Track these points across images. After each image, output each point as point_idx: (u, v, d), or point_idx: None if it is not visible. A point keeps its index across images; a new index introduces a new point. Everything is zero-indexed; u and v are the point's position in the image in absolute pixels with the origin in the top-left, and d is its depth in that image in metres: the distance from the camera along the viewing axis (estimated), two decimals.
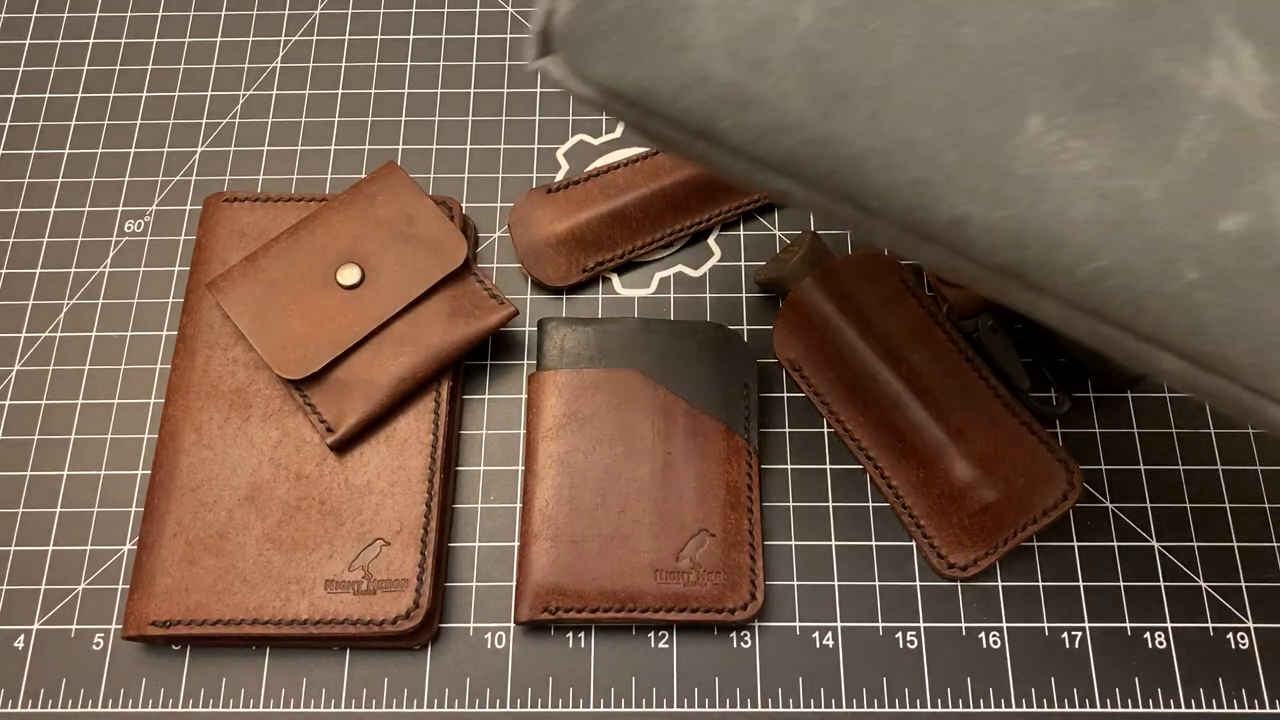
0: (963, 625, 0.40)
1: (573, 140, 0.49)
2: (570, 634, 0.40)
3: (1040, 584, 0.40)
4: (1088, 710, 0.38)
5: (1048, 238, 0.23)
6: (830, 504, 0.42)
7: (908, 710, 0.38)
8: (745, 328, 0.45)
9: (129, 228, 0.47)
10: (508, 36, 0.51)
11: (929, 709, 0.38)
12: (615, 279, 0.46)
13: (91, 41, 0.51)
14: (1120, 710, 0.38)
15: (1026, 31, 0.22)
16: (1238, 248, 0.22)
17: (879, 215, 0.24)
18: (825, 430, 0.43)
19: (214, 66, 0.50)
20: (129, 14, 0.52)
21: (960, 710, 0.38)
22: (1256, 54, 0.22)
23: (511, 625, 0.40)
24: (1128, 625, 0.40)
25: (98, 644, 0.40)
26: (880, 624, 0.40)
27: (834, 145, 0.23)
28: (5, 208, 0.47)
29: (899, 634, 0.40)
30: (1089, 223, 0.23)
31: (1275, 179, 0.22)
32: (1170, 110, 0.22)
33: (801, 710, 0.38)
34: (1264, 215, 0.22)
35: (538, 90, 0.50)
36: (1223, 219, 0.22)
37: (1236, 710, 0.38)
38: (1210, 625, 0.40)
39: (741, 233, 0.47)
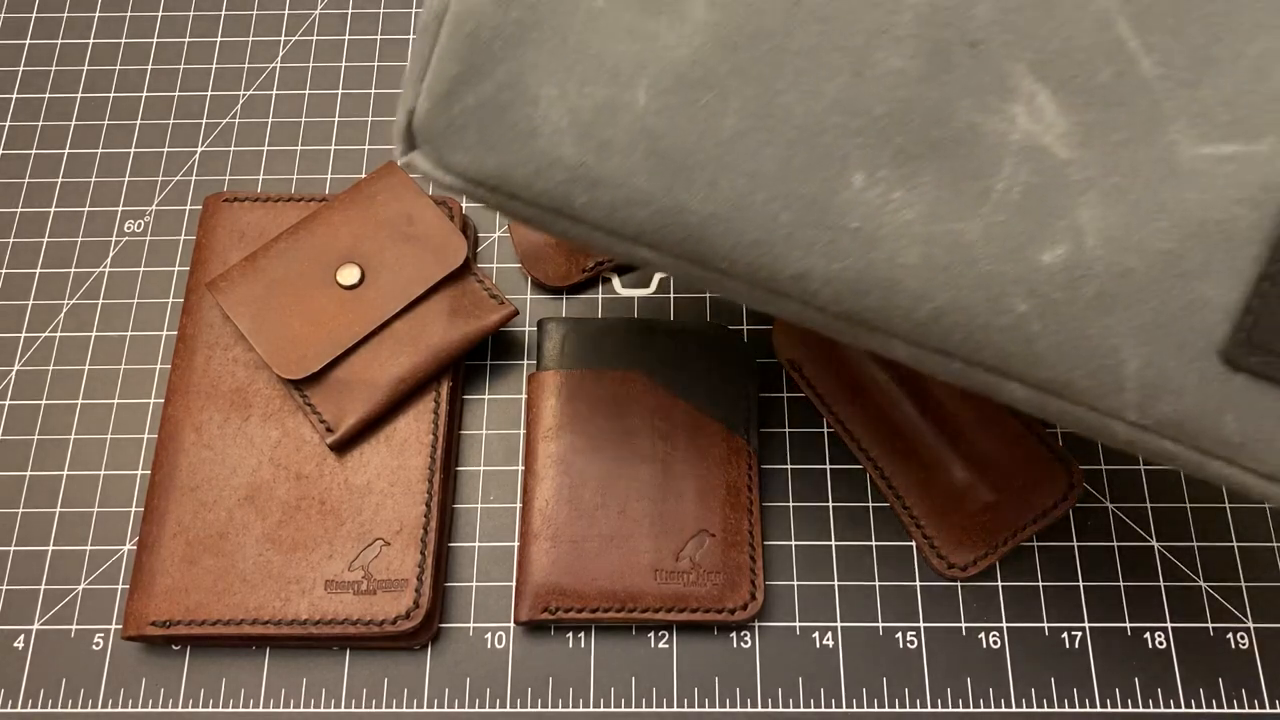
0: (963, 625, 0.40)
1: None
2: (570, 634, 0.40)
3: (1040, 584, 0.40)
4: (1088, 710, 0.38)
5: (884, 284, 0.24)
6: (830, 504, 0.42)
7: (908, 710, 0.38)
8: (745, 328, 0.45)
9: (129, 228, 0.47)
10: None
11: (929, 709, 0.38)
12: (615, 279, 0.46)
13: (91, 41, 0.51)
14: (1120, 710, 0.38)
15: (841, 95, 0.24)
16: (1059, 279, 0.24)
17: (731, 275, 0.26)
18: (825, 430, 0.43)
19: (214, 66, 0.50)
20: (129, 14, 0.52)
21: (960, 710, 0.38)
22: (1053, 99, 0.23)
23: (511, 625, 0.40)
24: (1128, 625, 0.40)
25: (98, 644, 0.40)
26: (880, 624, 0.40)
27: (679, 215, 0.25)
28: (5, 208, 0.47)
29: (899, 634, 0.40)
30: (919, 267, 0.24)
31: (1085, 213, 0.23)
32: (981, 157, 0.24)
33: (801, 710, 0.38)
34: (1079, 247, 0.24)
35: None
36: (1043, 253, 0.24)
37: (1236, 710, 0.38)
38: (1210, 625, 0.40)
39: None
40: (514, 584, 0.40)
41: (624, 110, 0.25)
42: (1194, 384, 0.24)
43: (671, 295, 0.45)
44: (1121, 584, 0.40)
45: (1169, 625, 0.40)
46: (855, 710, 0.38)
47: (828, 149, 0.24)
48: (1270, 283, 0.23)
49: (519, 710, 0.39)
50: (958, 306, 0.24)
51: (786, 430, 0.43)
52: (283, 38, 0.51)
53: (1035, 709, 0.38)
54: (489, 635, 0.40)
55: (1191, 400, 0.24)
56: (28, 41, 0.51)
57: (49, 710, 0.39)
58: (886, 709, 0.38)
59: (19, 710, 0.39)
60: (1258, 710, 0.38)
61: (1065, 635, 0.39)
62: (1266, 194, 0.23)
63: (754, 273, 0.25)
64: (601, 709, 0.39)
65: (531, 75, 0.25)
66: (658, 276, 0.46)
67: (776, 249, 0.25)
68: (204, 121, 0.49)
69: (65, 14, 0.52)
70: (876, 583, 0.40)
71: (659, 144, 0.25)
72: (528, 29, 0.25)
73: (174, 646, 0.40)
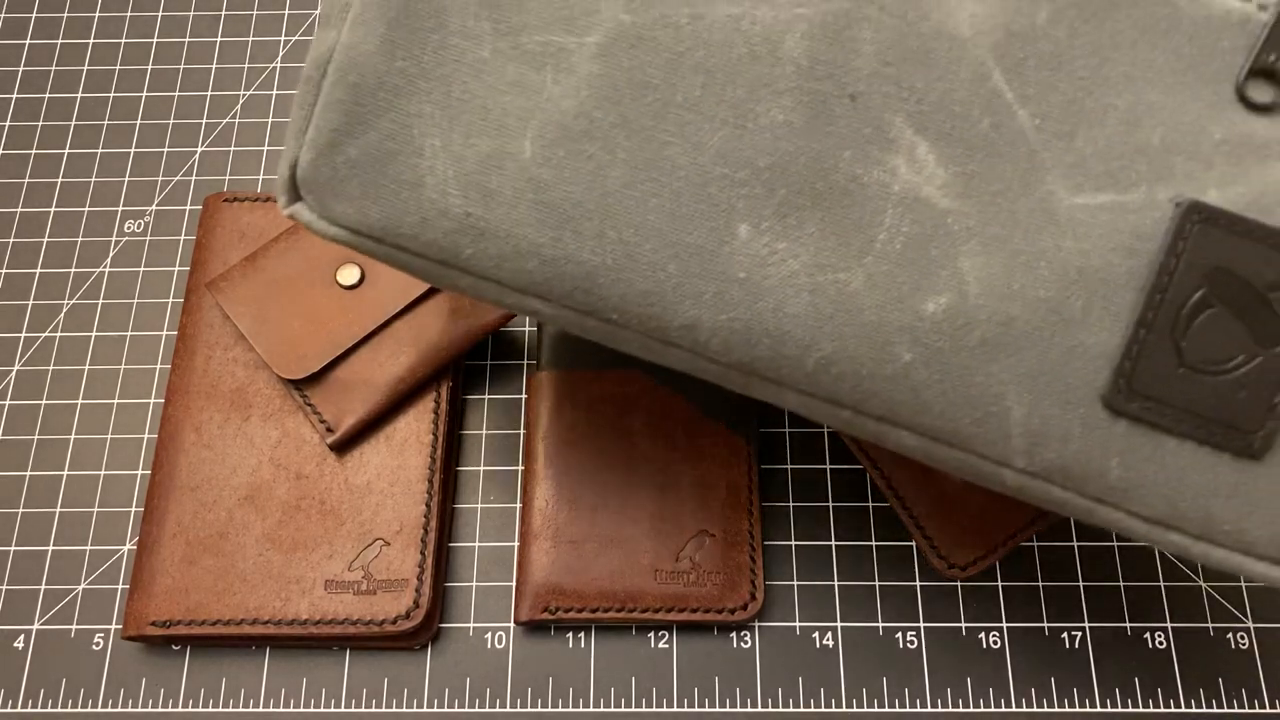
0: (963, 625, 0.40)
1: None
2: (570, 634, 0.40)
3: (1040, 584, 0.40)
4: (1088, 710, 0.38)
5: (772, 334, 0.25)
6: (830, 504, 0.42)
7: (908, 710, 0.38)
8: None
9: (129, 228, 0.47)
10: None
11: (929, 709, 0.38)
12: None
13: (91, 41, 0.51)
14: (1120, 710, 0.38)
15: (725, 147, 0.24)
16: (943, 327, 0.24)
17: (622, 327, 0.26)
18: (825, 430, 0.43)
19: (214, 66, 0.50)
20: (129, 14, 0.52)
21: (960, 710, 0.38)
22: (933, 150, 0.24)
23: (511, 625, 0.40)
24: (1128, 625, 0.40)
25: (98, 644, 0.40)
26: (880, 624, 0.40)
27: (567, 265, 0.25)
28: (5, 207, 0.47)
29: (899, 634, 0.40)
30: (805, 316, 0.24)
31: (967, 262, 0.24)
32: (864, 207, 0.24)
33: (801, 710, 0.38)
34: (962, 296, 0.24)
35: None
36: (926, 302, 0.24)
37: (1236, 710, 0.38)
38: (1210, 625, 0.40)
39: None
40: (514, 584, 0.40)
41: (510, 161, 0.25)
42: (1078, 430, 0.24)
43: None
44: (1121, 584, 0.40)
45: (1169, 625, 0.40)
46: (855, 710, 0.38)
47: (713, 200, 0.24)
48: (1147, 329, 0.24)
49: (519, 710, 0.39)
50: (845, 355, 0.25)
51: (786, 430, 0.43)
52: (283, 38, 0.51)
53: (1035, 709, 0.38)
54: (489, 635, 0.40)
55: (1077, 447, 0.25)
56: (28, 41, 0.51)
57: (49, 710, 0.39)
58: (886, 709, 0.38)
59: (19, 710, 0.39)
60: (1258, 710, 0.38)
61: (1065, 635, 0.39)
62: (1140, 242, 0.24)
63: (644, 323, 0.25)
64: (601, 709, 0.39)
65: (416, 126, 0.25)
66: None
67: (665, 299, 0.25)
68: (204, 121, 0.49)
69: (65, 14, 0.52)
70: (876, 583, 0.40)
71: (546, 195, 0.25)
72: (413, 80, 0.25)
73: (174, 646, 0.40)
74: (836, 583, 0.40)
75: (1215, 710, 0.38)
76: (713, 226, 0.24)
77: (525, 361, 0.44)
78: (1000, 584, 0.40)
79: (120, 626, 0.40)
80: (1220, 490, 0.25)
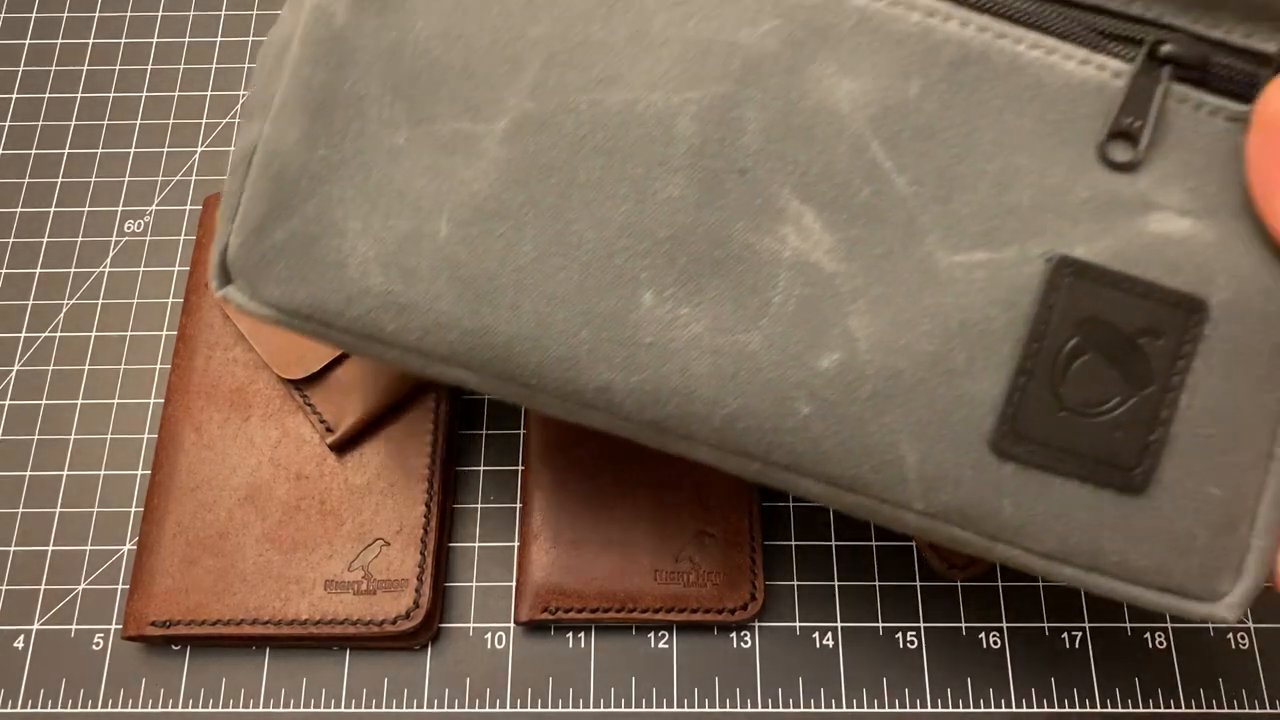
0: (963, 625, 0.40)
1: None
2: (570, 634, 0.40)
3: (1040, 584, 0.40)
4: (1088, 710, 0.38)
5: (680, 394, 0.26)
6: None
7: (908, 710, 0.38)
8: None
9: (129, 228, 0.47)
10: None
11: (929, 709, 0.38)
12: None
13: (91, 41, 0.51)
14: (1120, 710, 0.38)
15: (627, 221, 0.26)
16: (836, 382, 0.26)
17: (540, 390, 0.27)
18: None
19: (214, 66, 0.50)
20: (128, 14, 0.52)
21: (960, 710, 0.38)
22: (819, 218, 0.26)
23: (511, 625, 0.40)
24: (1128, 625, 0.40)
25: (97, 644, 0.40)
26: (880, 624, 0.40)
27: (486, 336, 0.27)
28: (5, 207, 0.47)
29: (899, 634, 0.40)
30: (710, 376, 0.26)
31: (855, 320, 0.26)
32: (758, 273, 0.26)
33: (801, 710, 0.38)
34: (853, 352, 0.26)
35: None
36: (820, 359, 0.26)
37: (1237, 710, 0.38)
38: (1211, 626, 0.40)
39: None
40: (514, 584, 0.40)
41: (427, 240, 0.26)
42: (969, 474, 0.26)
43: None
44: None
45: (1169, 625, 0.40)
46: (855, 710, 0.38)
47: (619, 271, 0.26)
48: (1027, 377, 0.26)
49: (519, 710, 0.39)
50: (748, 411, 0.26)
51: None
52: None
53: (1035, 709, 0.38)
54: (489, 635, 0.40)
55: (969, 489, 0.26)
56: (27, 41, 0.51)
57: (49, 710, 0.39)
58: (887, 709, 0.38)
59: (19, 710, 0.39)
60: (1258, 711, 0.38)
61: (1065, 635, 0.39)
62: (1016, 296, 0.25)
63: (561, 387, 0.27)
64: (601, 709, 0.39)
65: (338, 209, 0.27)
66: None
67: (579, 364, 0.26)
68: (204, 121, 0.49)
69: (65, 14, 0.52)
70: (877, 583, 0.40)
71: (462, 271, 0.26)
72: (333, 167, 0.27)
73: (174, 646, 0.40)
74: (836, 583, 0.40)
75: (1215, 711, 0.38)
76: (620, 295, 0.26)
77: None
78: (1000, 584, 0.40)
79: (120, 626, 0.40)
80: (1106, 524, 0.26)
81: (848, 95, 0.25)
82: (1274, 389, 0.26)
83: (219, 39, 0.51)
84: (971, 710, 0.38)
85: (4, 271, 0.46)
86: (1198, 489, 0.26)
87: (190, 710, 0.39)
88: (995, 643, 0.39)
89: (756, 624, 0.40)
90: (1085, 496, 0.26)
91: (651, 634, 0.40)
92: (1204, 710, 0.38)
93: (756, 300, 0.26)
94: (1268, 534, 0.26)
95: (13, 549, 0.42)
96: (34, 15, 0.52)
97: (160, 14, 0.52)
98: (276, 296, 0.27)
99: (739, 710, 0.38)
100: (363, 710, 0.39)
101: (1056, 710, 0.38)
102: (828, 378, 0.26)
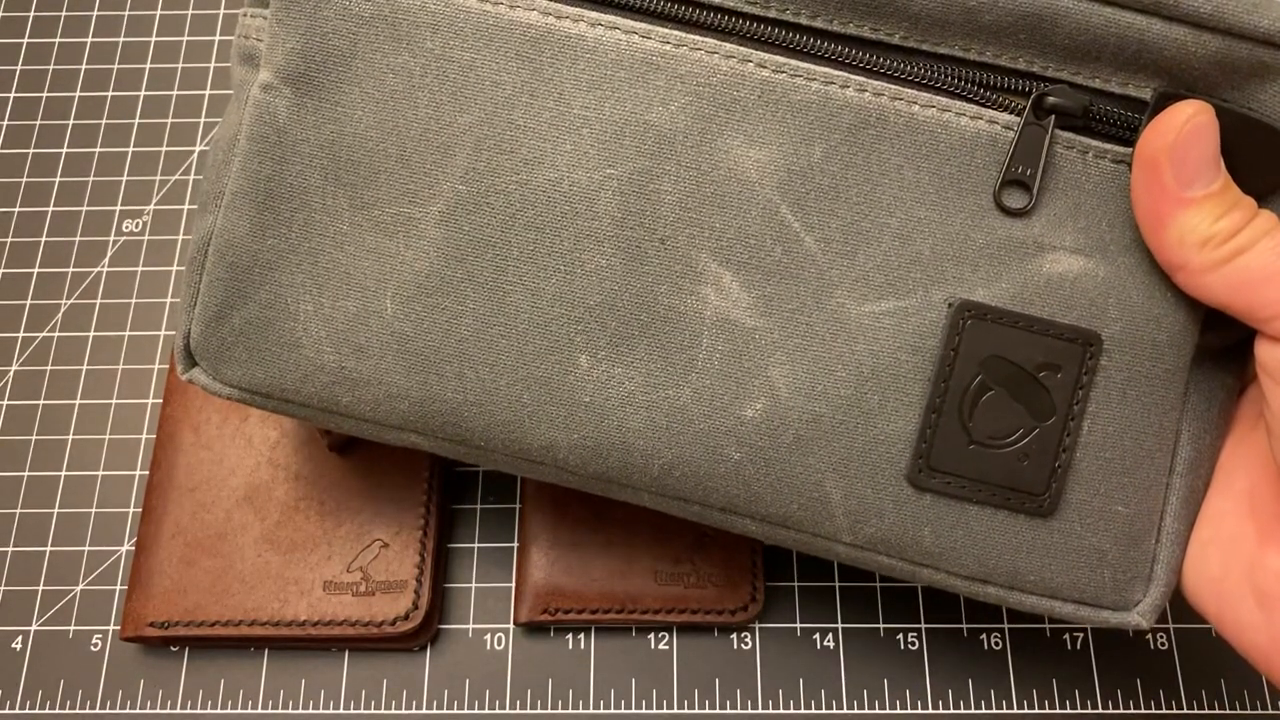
0: (964, 626, 0.40)
1: None
2: (570, 635, 0.40)
3: None
4: (1088, 711, 0.38)
5: (619, 448, 0.28)
6: None
7: (908, 712, 0.38)
8: None
9: (127, 227, 0.47)
10: None
11: (930, 710, 0.38)
12: None
13: (90, 40, 0.51)
14: (1121, 711, 0.38)
15: (559, 290, 0.28)
16: (762, 429, 0.28)
17: (489, 451, 0.29)
18: None
19: (212, 65, 0.50)
20: (127, 13, 0.52)
21: (961, 711, 0.38)
22: (736, 278, 0.27)
23: (511, 626, 0.40)
24: None
25: (96, 645, 0.40)
26: (881, 625, 0.40)
27: (435, 404, 0.29)
28: (3, 207, 0.47)
29: (900, 635, 0.39)
30: (645, 430, 0.28)
31: (776, 370, 0.27)
32: (683, 331, 0.28)
33: (802, 712, 0.38)
34: (775, 400, 0.27)
35: None
36: (745, 408, 0.28)
37: (1239, 711, 0.38)
38: (1212, 626, 0.39)
39: None
40: (514, 585, 0.40)
41: (375, 318, 0.28)
42: (890, 507, 0.28)
43: None
44: None
45: (1171, 626, 0.39)
46: (856, 711, 0.38)
47: (555, 337, 0.28)
48: (937, 414, 0.27)
49: (519, 711, 0.39)
50: (683, 460, 0.28)
51: None
52: None
53: (1036, 710, 0.38)
54: (488, 636, 0.40)
55: (891, 520, 0.28)
56: (25, 40, 0.51)
57: (47, 711, 0.39)
58: (887, 710, 0.38)
59: (17, 711, 0.39)
60: (1259, 711, 0.38)
61: (1067, 636, 0.39)
62: (922, 340, 0.27)
63: (508, 447, 0.29)
64: (601, 710, 0.38)
65: (290, 294, 0.28)
66: None
67: (524, 425, 0.28)
68: (202, 120, 0.49)
69: (64, 12, 0.52)
70: (877, 584, 0.40)
71: (409, 345, 0.28)
72: (283, 254, 0.28)
73: (172, 648, 0.40)
74: (837, 584, 0.40)
75: (1216, 711, 0.38)
76: (557, 359, 0.28)
77: None
78: None
79: (118, 627, 0.40)
80: (1021, 546, 0.28)
81: (755, 163, 0.27)
82: (1169, 410, 0.28)
83: (217, 38, 0.51)
84: (972, 711, 0.38)
85: (2, 271, 0.46)
86: (1104, 508, 0.28)
87: (189, 711, 0.39)
88: (996, 644, 0.39)
89: (757, 625, 0.40)
90: (999, 521, 0.28)
91: (651, 635, 0.40)
92: (1205, 711, 0.38)
93: (684, 357, 0.28)
94: (1173, 544, 0.28)
95: (11, 549, 0.41)
96: (32, 14, 0.52)
97: (159, 13, 0.52)
98: (238, 377, 0.29)
99: (739, 711, 0.38)
100: (362, 711, 0.39)
101: (1057, 711, 0.38)
102: (754, 425, 0.28)
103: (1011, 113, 0.27)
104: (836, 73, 0.27)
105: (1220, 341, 0.28)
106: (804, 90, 0.27)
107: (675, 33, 0.27)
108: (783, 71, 0.27)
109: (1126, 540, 0.28)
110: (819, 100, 0.27)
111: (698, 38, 0.27)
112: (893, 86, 0.27)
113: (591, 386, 0.28)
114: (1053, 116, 0.27)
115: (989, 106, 0.27)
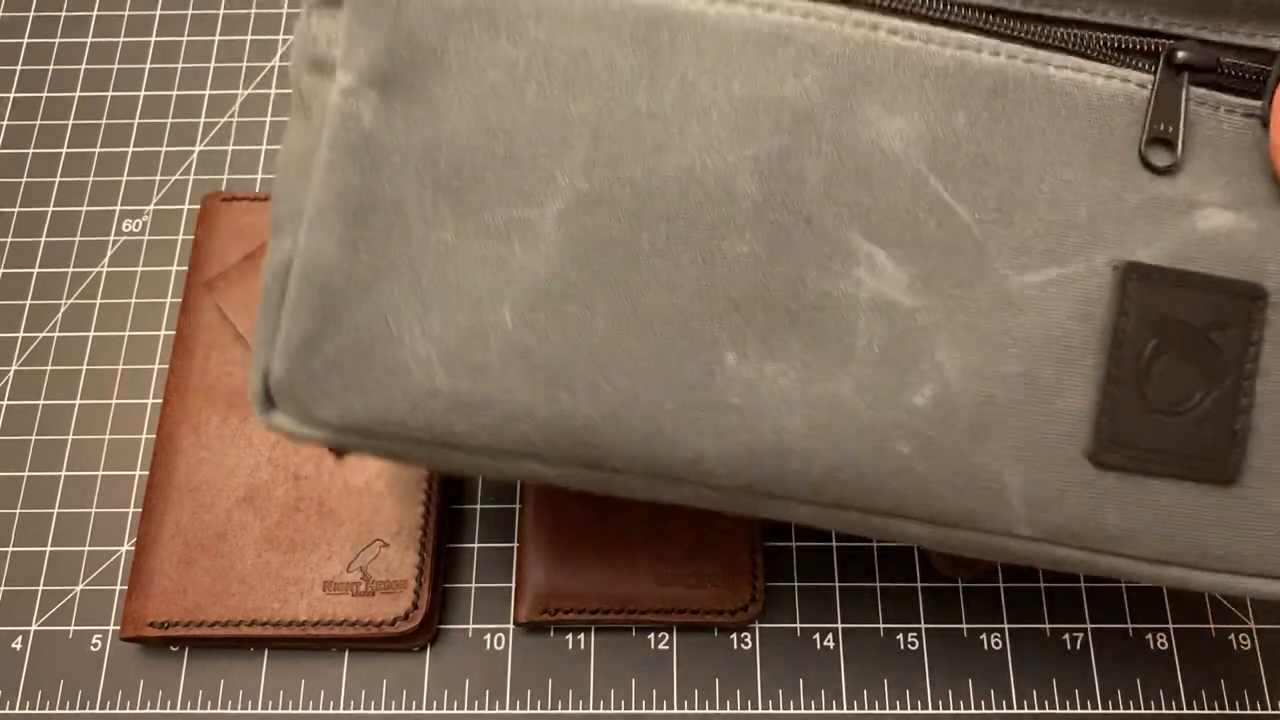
0: (964, 626, 0.40)
1: None
2: (570, 635, 0.40)
3: (1041, 585, 0.40)
4: (1089, 711, 0.38)
5: (775, 452, 0.26)
6: None
7: (909, 712, 0.38)
8: None
9: (127, 227, 0.47)
10: None
11: (930, 710, 0.38)
12: None
13: (89, 40, 0.51)
14: (1121, 711, 0.38)
15: (698, 285, 0.25)
16: (933, 417, 0.26)
17: (626, 472, 0.27)
18: None
19: (212, 65, 0.50)
20: (126, 13, 0.52)
21: (961, 711, 0.38)
22: (889, 256, 0.26)
23: (511, 626, 0.40)
24: (1129, 626, 0.39)
25: (95, 645, 0.40)
26: (881, 625, 0.40)
27: (565, 422, 0.26)
28: (2, 207, 0.47)
29: (900, 635, 0.39)
30: (804, 429, 0.26)
31: (942, 353, 0.26)
32: (838, 319, 0.26)
33: (802, 712, 0.38)
34: (944, 384, 0.26)
35: None
36: (913, 396, 0.26)
37: (1238, 711, 0.38)
38: (1212, 626, 0.39)
39: None
40: (513, 585, 0.40)
41: (492, 332, 0.26)
42: (1073, 489, 0.26)
43: None
44: (1123, 585, 0.40)
45: (1170, 626, 0.39)
46: (856, 712, 0.38)
47: (697, 336, 0.26)
48: (1114, 384, 0.26)
49: (519, 712, 0.38)
50: (847, 459, 0.26)
51: None
52: (281, 36, 0.51)
53: (1036, 710, 0.38)
54: (488, 636, 0.40)
55: (1073, 505, 0.26)
56: (25, 40, 0.51)
57: (47, 711, 0.39)
58: (887, 710, 0.38)
59: (17, 711, 0.39)
60: (1260, 712, 0.38)
61: (1067, 636, 0.39)
62: (1091, 307, 0.26)
63: (649, 465, 0.26)
64: (601, 710, 0.38)
65: (391, 314, 0.26)
66: None
67: (667, 437, 0.26)
68: (202, 120, 0.49)
69: (63, 12, 0.52)
70: (877, 584, 0.40)
71: (533, 359, 0.26)
72: (380, 272, 0.26)
73: (172, 648, 0.40)
74: (837, 584, 0.40)
75: (1217, 711, 0.38)
76: (701, 360, 0.26)
77: None
78: (1002, 585, 0.40)
79: (118, 628, 0.40)
80: (1208, 518, 0.26)
81: (899, 133, 0.26)
82: None
83: (217, 38, 0.51)
84: (973, 711, 0.38)
85: (2, 271, 0.46)
86: None
87: (188, 711, 0.39)
88: (997, 644, 0.39)
89: (757, 625, 0.40)
90: (1185, 494, 0.26)
91: (651, 635, 0.40)
92: (1206, 711, 0.38)
93: (840, 346, 0.26)
94: None
95: (10, 549, 0.41)
96: (31, 14, 0.52)
97: (159, 13, 0.52)
98: (333, 415, 0.26)
99: (739, 712, 0.38)
100: (362, 712, 0.39)
101: (1058, 711, 0.38)
102: (924, 414, 0.26)
103: (1142, 72, 0.26)
104: (969, 37, 0.26)
105: None
106: (939, 56, 0.26)
107: (800, 3, 0.26)
108: (915, 38, 0.26)
109: None
110: (956, 65, 0.26)
111: (825, 7, 0.26)
112: (1025, 49, 0.26)
113: (741, 386, 0.26)
114: (1186, 72, 0.26)
115: (1121, 66, 0.26)
